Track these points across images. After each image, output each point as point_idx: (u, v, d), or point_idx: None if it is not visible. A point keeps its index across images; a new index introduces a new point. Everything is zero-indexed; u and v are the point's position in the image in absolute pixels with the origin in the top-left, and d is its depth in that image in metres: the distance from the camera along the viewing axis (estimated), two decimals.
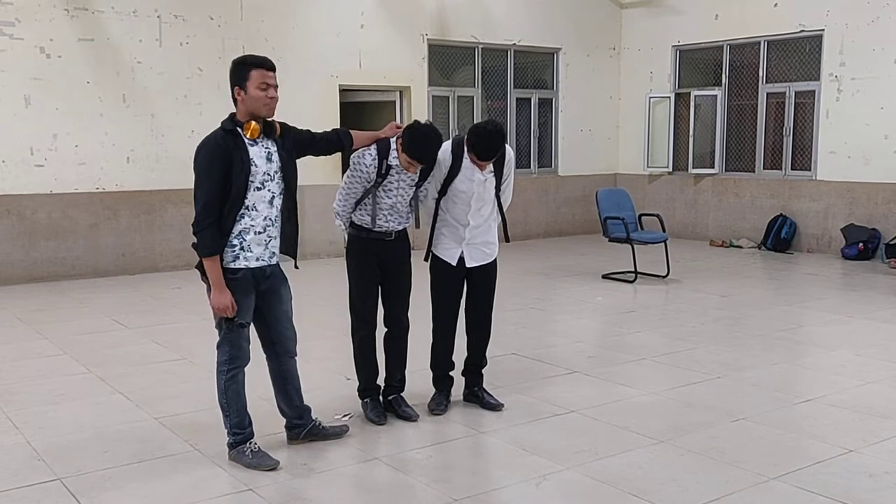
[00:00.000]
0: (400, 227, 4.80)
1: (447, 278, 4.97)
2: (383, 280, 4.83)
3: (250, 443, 4.23)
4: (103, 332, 7.21)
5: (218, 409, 4.31)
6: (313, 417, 4.56)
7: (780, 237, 11.93)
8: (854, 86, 11.27)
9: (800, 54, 11.98)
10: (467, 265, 4.95)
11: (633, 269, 9.61)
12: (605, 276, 9.83)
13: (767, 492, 3.93)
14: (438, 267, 4.98)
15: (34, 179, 9.42)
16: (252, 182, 4.02)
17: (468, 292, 5.06)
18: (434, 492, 3.96)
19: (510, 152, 4.97)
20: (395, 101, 12.12)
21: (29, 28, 9.25)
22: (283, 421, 4.54)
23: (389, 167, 4.61)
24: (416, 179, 4.73)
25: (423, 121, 4.65)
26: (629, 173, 14.12)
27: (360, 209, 4.72)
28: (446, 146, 4.83)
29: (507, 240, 5.20)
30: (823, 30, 11.49)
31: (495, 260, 5.07)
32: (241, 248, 4.04)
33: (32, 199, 9.43)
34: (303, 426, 4.50)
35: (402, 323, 4.92)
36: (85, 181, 9.71)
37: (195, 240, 4.01)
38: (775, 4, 11.97)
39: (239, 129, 4.02)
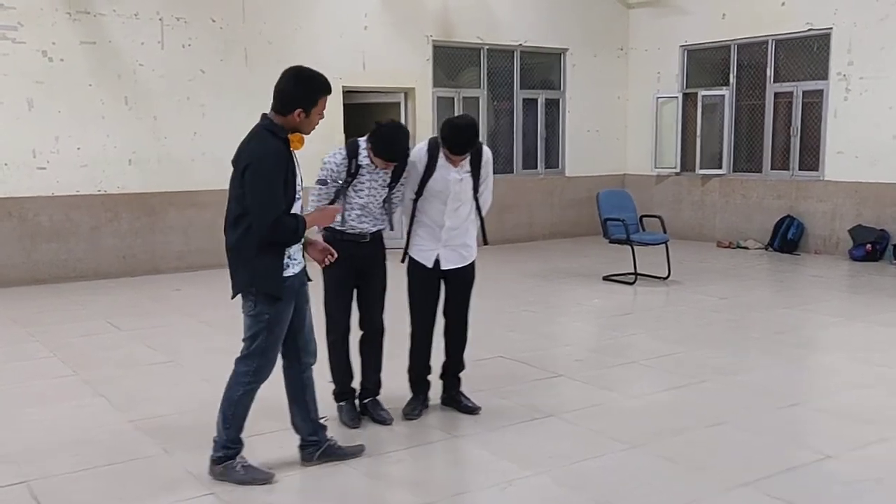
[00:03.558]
0: (374, 229, 4.77)
1: (423, 281, 4.93)
2: (358, 283, 4.81)
3: (240, 457, 4.09)
4: (96, 335, 7.24)
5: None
6: (328, 436, 4.34)
7: (787, 238, 11.79)
8: (862, 85, 11.11)
9: (808, 53, 11.83)
10: (443, 267, 4.90)
11: (633, 271, 9.54)
12: (605, 278, 9.75)
13: (730, 499, 3.87)
14: (415, 269, 4.94)
15: (36, 182, 9.49)
16: (298, 190, 3.97)
17: (445, 295, 5.02)
18: (403, 496, 3.94)
19: (488, 153, 4.93)
20: (399, 103, 12.11)
21: (31, 32, 9.32)
22: (267, 425, 4.45)
23: (360, 166, 4.60)
24: (389, 180, 4.71)
25: (384, 121, 4.63)
26: (637, 174, 14.01)
27: None
28: (422, 146, 4.82)
29: (486, 242, 5.15)
30: (831, 29, 11.34)
31: (473, 263, 5.02)
32: (289, 257, 3.95)
33: (34, 201, 9.51)
34: (317, 444, 4.28)
35: (376, 326, 4.89)
36: (87, 183, 9.77)
37: (275, 237, 3.82)
38: (783, 3, 11.83)
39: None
